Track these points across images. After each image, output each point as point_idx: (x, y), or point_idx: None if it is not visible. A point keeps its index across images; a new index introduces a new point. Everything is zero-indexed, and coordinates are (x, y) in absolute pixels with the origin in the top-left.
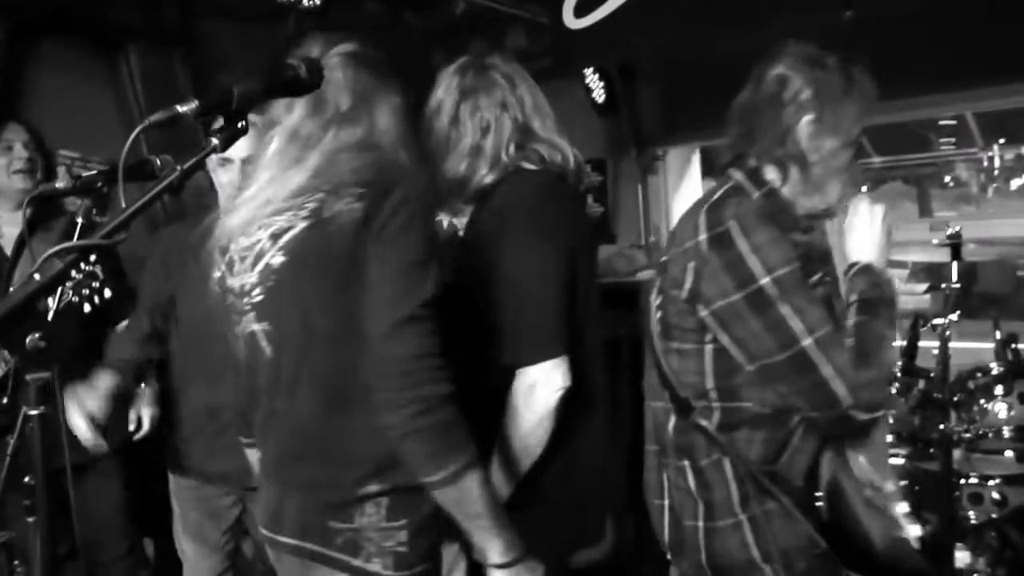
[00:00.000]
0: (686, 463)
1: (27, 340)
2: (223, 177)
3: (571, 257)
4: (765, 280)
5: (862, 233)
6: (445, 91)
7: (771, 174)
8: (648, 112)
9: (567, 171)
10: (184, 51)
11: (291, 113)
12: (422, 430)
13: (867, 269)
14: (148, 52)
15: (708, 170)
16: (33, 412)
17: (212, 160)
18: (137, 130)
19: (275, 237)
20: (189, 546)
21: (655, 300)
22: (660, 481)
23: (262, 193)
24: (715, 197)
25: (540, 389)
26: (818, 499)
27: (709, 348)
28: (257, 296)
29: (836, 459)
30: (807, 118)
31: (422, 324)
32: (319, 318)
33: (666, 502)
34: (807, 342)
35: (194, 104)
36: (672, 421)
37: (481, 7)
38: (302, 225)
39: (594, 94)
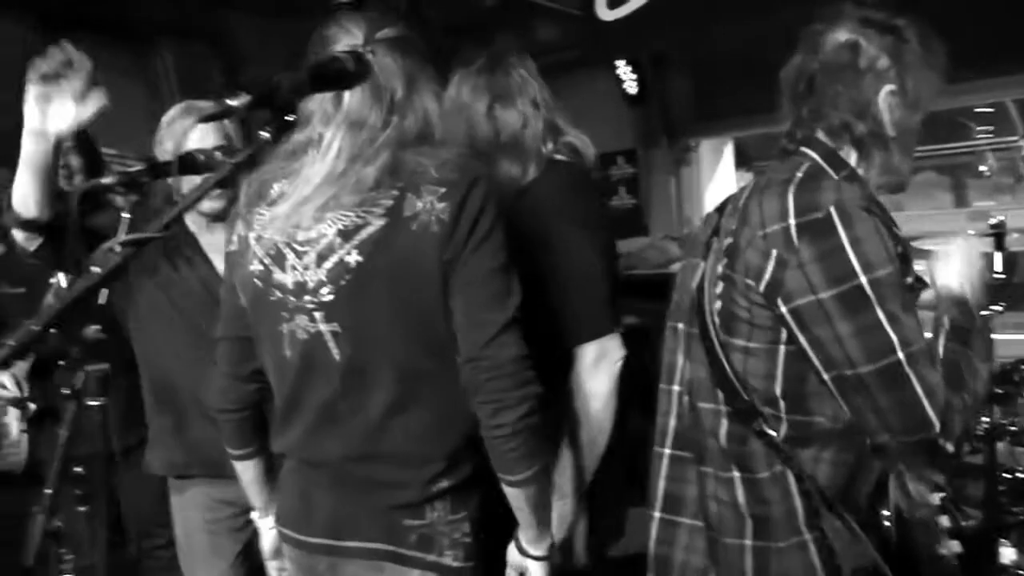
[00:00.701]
0: (736, 474)
1: (87, 331)
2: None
3: (610, 240)
4: (863, 279)
5: (959, 261)
6: (472, 91)
7: (849, 154)
8: (680, 103)
9: (592, 163)
10: (216, 46)
11: (348, 102)
12: (529, 428)
13: (960, 299)
14: (181, 48)
15: (741, 161)
16: (94, 402)
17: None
18: (191, 124)
19: (346, 234)
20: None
21: (715, 288)
22: (674, 492)
23: (322, 186)
24: (798, 177)
25: (604, 362)
26: (884, 519)
27: (783, 350)
28: (327, 295)
29: (896, 479)
30: (887, 89)
31: (519, 326)
32: (397, 320)
33: (686, 520)
34: (900, 355)
35: (245, 97)
36: (724, 426)
37: None
38: (378, 223)
39: (625, 85)
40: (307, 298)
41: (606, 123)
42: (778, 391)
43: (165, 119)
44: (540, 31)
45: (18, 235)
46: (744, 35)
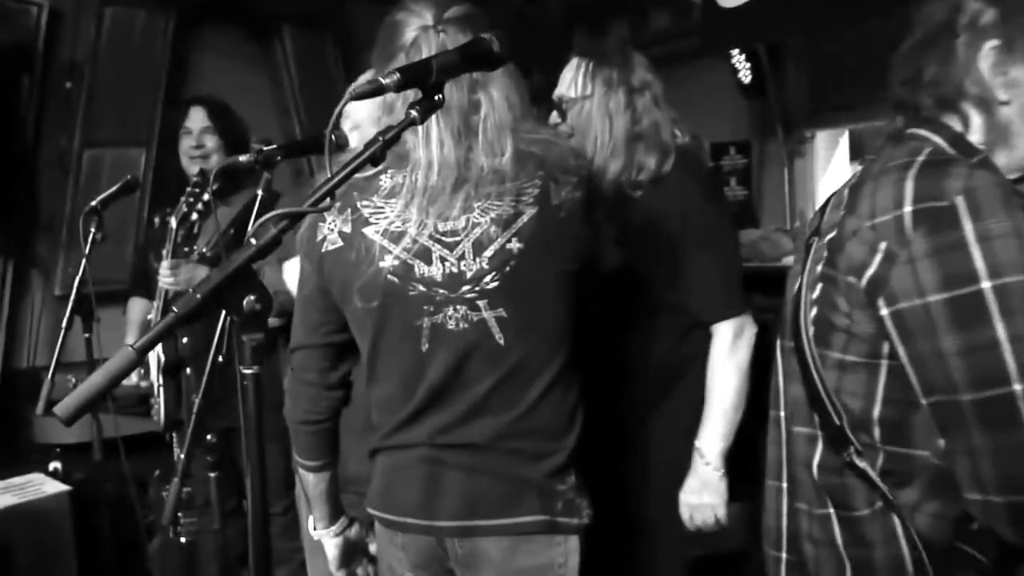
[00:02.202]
0: (831, 511)
1: (244, 302)
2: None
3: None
4: (986, 284)
5: None
6: (607, 83)
7: (954, 124)
8: (796, 94)
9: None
10: (334, 34)
11: None
12: None
13: None
14: (300, 35)
15: (856, 154)
16: (248, 371)
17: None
18: (343, 102)
19: (502, 223)
20: None
21: (813, 293)
22: (780, 528)
23: (448, 175)
24: (919, 161)
25: (743, 339)
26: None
27: (885, 365)
28: (491, 283)
29: None
30: (990, 44)
31: None
32: (557, 303)
33: (783, 555)
34: (1016, 388)
35: (396, 76)
36: (818, 454)
37: None
38: (531, 211)
39: (740, 75)
40: (466, 288)
41: (720, 113)
42: (875, 415)
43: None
44: (653, 19)
45: None
46: (862, 24)
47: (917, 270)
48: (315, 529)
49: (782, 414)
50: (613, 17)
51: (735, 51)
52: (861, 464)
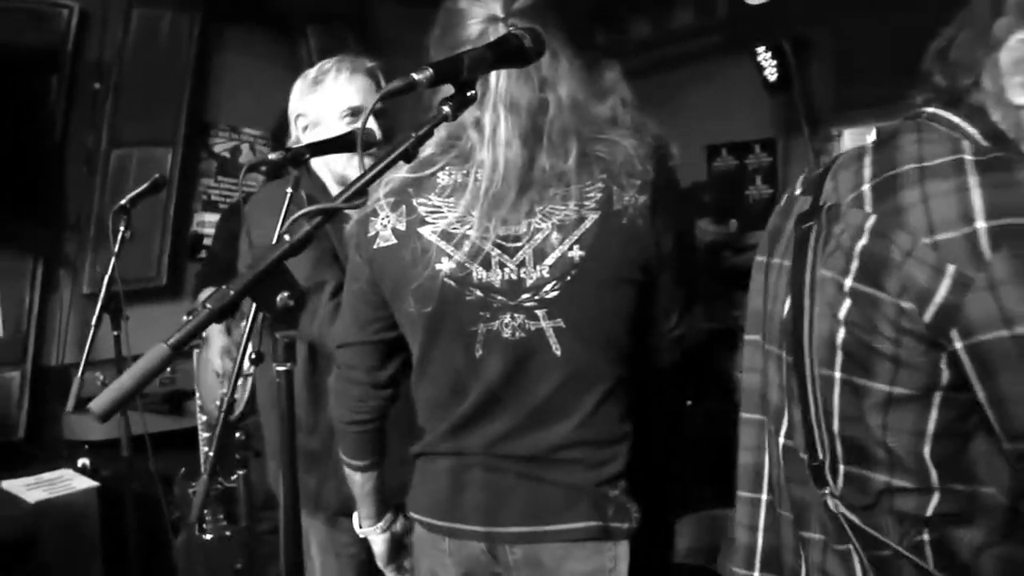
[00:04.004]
0: (852, 547)
1: (277, 299)
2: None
3: None
4: None
5: None
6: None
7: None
8: (822, 90)
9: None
10: (358, 33)
11: (496, 81)
12: None
13: None
14: (324, 35)
15: None
16: (281, 368)
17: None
18: (377, 99)
19: (563, 229)
20: None
21: (839, 309)
22: (754, 545)
23: (511, 177)
24: (971, 161)
25: None
26: None
27: (938, 397)
28: (551, 292)
29: None
30: (1018, 36)
31: None
32: (618, 313)
33: (756, 575)
34: None
35: (428, 72)
36: (840, 483)
37: None
38: (593, 217)
39: (765, 72)
40: (525, 296)
41: (745, 111)
42: (927, 452)
43: (314, 79)
44: (677, 16)
45: None
46: (888, 20)
47: (1001, 297)
48: (360, 527)
49: (758, 417)
50: (636, 14)
51: (760, 47)
52: (836, 509)
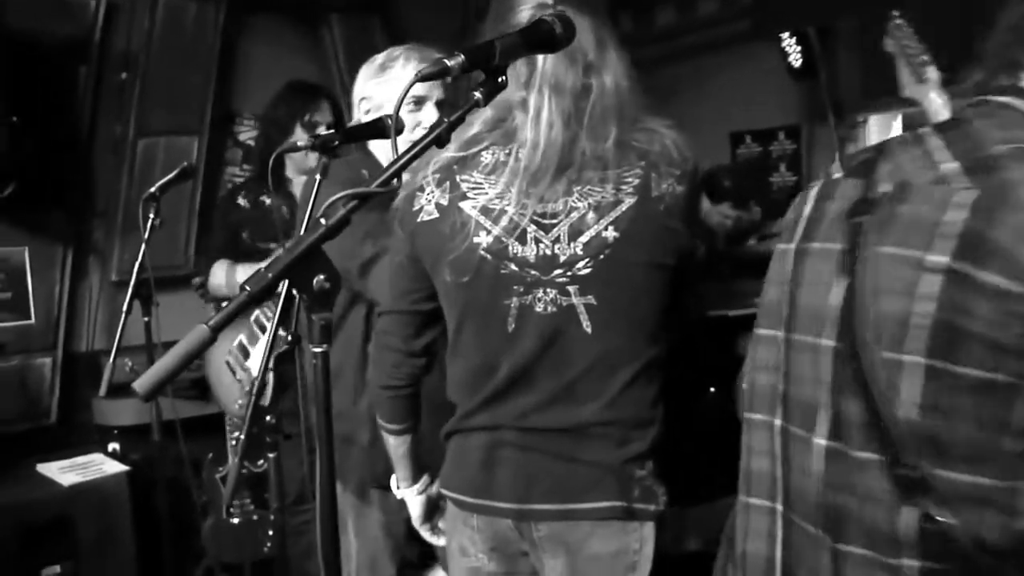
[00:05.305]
0: (910, 563)
1: (314, 282)
2: (421, 117)
3: None
4: None
5: None
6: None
7: None
8: (847, 77)
9: None
10: (383, 21)
11: (543, 64)
12: None
13: None
14: (349, 23)
15: None
16: (318, 350)
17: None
18: (408, 85)
19: (600, 209)
20: None
21: (926, 287)
22: (773, 556)
23: (552, 156)
24: None
25: None
26: None
27: None
28: (584, 269)
29: None
30: None
31: None
32: (650, 293)
33: None
34: None
35: (460, 58)
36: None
37: None
38: (630, 201)
39: (790, 58)
40: (558, 272)
41: (769, 98)
42: (1006, 447)
43: (381, 65)
44: (701, 4)
45: None
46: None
47: None
48: (398, 488)
49: (777, 422)
50: (662, 1)
51: (785, 34)
52: (939, 522)
